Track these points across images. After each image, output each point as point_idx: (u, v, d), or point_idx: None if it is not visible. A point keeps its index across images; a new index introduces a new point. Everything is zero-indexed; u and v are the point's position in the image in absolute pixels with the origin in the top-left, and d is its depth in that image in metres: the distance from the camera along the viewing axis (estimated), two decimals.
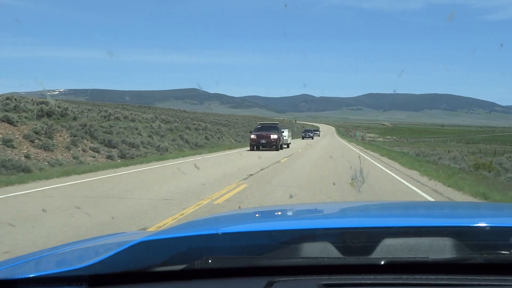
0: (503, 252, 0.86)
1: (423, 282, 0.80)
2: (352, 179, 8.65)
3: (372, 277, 0.82)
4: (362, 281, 0.81)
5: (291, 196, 7.12)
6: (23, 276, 0.90)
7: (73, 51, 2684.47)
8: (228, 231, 1.01)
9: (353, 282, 0.81)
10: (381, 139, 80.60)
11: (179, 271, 0.86)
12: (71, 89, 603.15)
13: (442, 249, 0.87)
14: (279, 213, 1.52)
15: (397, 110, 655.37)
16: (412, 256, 0.85)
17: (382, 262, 0.83)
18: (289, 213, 1.46)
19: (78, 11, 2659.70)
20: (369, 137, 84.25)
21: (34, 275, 0.90)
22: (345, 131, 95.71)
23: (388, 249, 0.87)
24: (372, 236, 0.90)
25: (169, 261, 0.88)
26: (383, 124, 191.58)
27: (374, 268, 0.83)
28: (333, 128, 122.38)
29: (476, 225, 0.98)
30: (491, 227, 0.95)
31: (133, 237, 1.06)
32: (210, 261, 0.84)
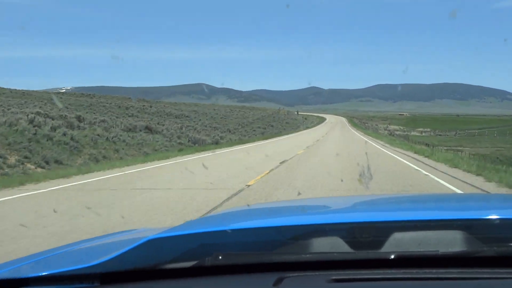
0: (510, 245, 0.85)
1: (433, 276, 0.79)
2: None
3: (381, 271, 0.81)
4: (372, 276, 0.80)
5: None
6: (35, 274, 0.91)
7: (79, 49, 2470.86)
8: (237, 227, 1.01)
9: (363, 277, 0.81)
10: (415, 133, 66.87)
11: (189, 268, 0.87)
12: (78, 87, 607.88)
13: (452, 242, 0.85)
14: (288, 208, 1.50)
15: (407, 101, 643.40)
16: (421, 249, 0.83)
17: (392, 256, 0.82)
18: (298, 209, 1.45)
19: (82, 8, 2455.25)
20: (393, 129, 68.88)
21: (46, 273, 0.91)
22: (361, 123, 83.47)
23: (398, 243, 0.85)
24: (381, 230, 0.88)
25: (179, 258, 0.88)
26: (400, 114, 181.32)
27: (384, 262, 0.83)
28: (343, 119, 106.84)
29: (486, 217, 0.96)
30: (501, 219, 0.93)
31: (144, 234, 1.07)
32: (220, 257, 0.84)
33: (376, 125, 70.73)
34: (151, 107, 52.69)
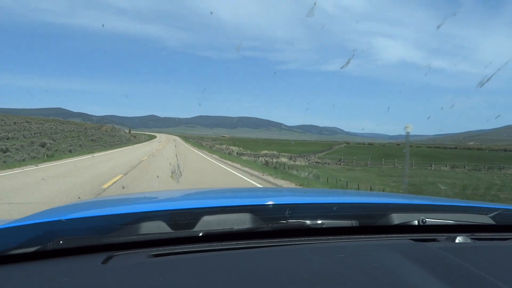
0: (282, 221, 1.12)
1: (228, 247, 1.00)
2: None
3: (192, 246, 1.00)
4: (185, 250, 0.98)
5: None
6: None
7: None
8: (78, 216, 1.15)
9: (177, 251, 0.98)
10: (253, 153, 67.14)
11: (33, 253, 0.93)
12: None
13: (244, 222, 1.08)
14: (123, 200, 1.74)
15: (219, 128, 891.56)
16: (222, 228, 1.06)
17: (200, 234, 1.03)
18: (131, 200, 1.73)
19: None
20: (235, 149, 68.70)
21: None
22: (197, 142, 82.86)
23: (206, 224, 1.06)
24: (194, 215, 1.08)
25: (24, 244, 0.94)
26: (223, 136, 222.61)
27: (196, 239, 1.03)
28: (177, 138, 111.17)
29: (264, 203, 1.23)
30: (274, 204, 1.22)
31: None
32: (61, 242, 0.93)
33: (214, 145, 61.62)
34: None
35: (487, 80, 2.51)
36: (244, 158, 31.07)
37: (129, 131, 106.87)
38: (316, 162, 49.24)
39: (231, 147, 54.38)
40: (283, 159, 38.15)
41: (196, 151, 37.47)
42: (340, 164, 50.72)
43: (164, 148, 39.81)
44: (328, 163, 49.18)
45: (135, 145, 48.51)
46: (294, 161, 42.99)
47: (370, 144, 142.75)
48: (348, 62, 3.60)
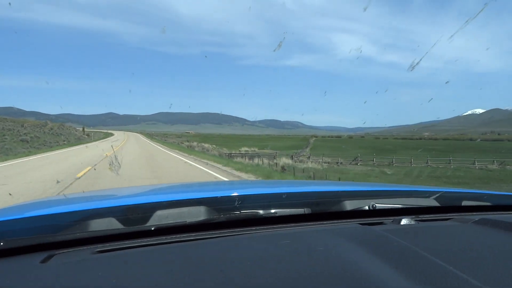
0: (235, 212, 1.14)
1: (179, 239, 0.99)
2: None
3: (142, 240, 0.97)
4: (133, 244, 0.95)
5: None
6: None
7: None
8: (22, 216, 1.10)
9: (124, 246, 0.94)
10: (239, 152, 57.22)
11: None
12: None
13: (197, 214, 1.09)
14: (74, 199, 1.64)
15: (181, 124, 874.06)
16: (174, 221, 1.05)
17: (153, 228, 1.01)
18: (84, 197, 1.63)
19: None
20: (210, 148, 55.90)
21: None
22: (162, 138, 73.88)
23: (159, 218, 1.05)
24: (147, 210, 1.07)
25: None
26: (187, 132, 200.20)
27: (148, 233, 1.01)
28: (139, 135, 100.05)
29: (217, 195, 1.23)
30: (226, 196, 1.23)
31: None
32: (1, 243, 0.90)
33: (182, 142, 51.17)
34: None
35: (417, 64, 3.00)
36: (236, 160, 22.04)
37: (83, 129, 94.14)
38: (327, 163, 39.91)
39: (204, 145, 44.35)
40: (285, 160, 29.22)
41: (171, 153, 25.76)
42: (358, 164, 41.47)
43: (123, 149, 28.68)
44: (341, 163, 40.85)
45: (85, 145, 37.03)
46: (303, 162, 34.41)
47: (338, 137, 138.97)
48: (280, 45, 3.77)
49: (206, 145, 43.23)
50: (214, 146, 48.39)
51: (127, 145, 38.83)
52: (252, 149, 53.08)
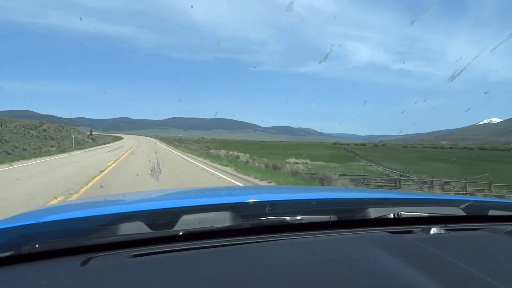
0: (262, 218, 1.13)
1: (208, 245, 1.01)
2: None
3: (173, 245, 1.00)
4: (165, 249, 0.98)
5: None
6: None
7: None
8: (55, 218, 1.12)
9: (157, 250, 0.98)
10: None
11: (8, 257, 0.90)
12: None
13: (224, 219, 1.09)
14: (101, 202, 1.68)
15: (193, 130, 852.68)
16: (202, 226, 1.06)
17: (181, 233, 1.03)
18: (112, 201, 1.70)
19: None
20: (232, 154, 49.70)
21: None
22: (180, 142, 68.00)
23: (186, 223, 1.06)
24: (174, 214, 1.08)
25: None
26: (203, 138, 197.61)
27: (176, 238, 1.03)
28: (152, 140, 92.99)
29: (244, 201, 1.25)
30: (253, 201, 1.23)
31: None
32: (37, 245, 0.91)
33: (209, 148, 45.98)
34: None
35: (458, 74, 2.82)
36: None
37: (90, 132, 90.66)
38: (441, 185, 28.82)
39: (236, 153, 39.08)
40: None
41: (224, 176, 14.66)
42: (432, 183, 29.98)
43: (126, 166, 16.55)
44: (413, 179, 31.49)
45: (81, 151, 31.22)
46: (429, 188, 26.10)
47: (362, 144, 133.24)
48: (326, 57, 3.95)
49: (238, 153, 37.82)
50: (247, 155, 42.70)
51: (136, 157, 23.84)
52: (302, 160, 45.53)
